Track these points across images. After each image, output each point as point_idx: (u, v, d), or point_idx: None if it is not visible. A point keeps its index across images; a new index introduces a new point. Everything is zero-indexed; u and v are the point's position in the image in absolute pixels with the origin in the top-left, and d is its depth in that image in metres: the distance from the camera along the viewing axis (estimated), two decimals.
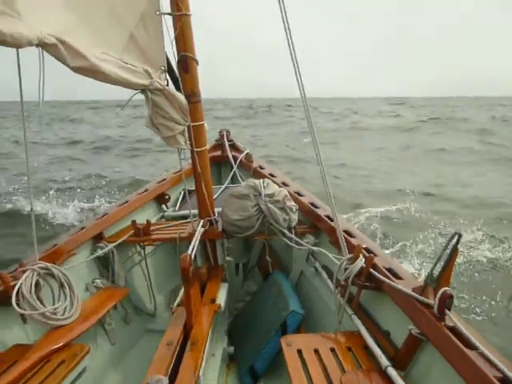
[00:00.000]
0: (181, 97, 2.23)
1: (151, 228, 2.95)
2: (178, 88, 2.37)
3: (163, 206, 3.91)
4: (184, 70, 2.40)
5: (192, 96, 2.44)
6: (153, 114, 2.18)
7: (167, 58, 2.27)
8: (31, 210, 1.98)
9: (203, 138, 2.61)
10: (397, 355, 1.69)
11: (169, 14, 2.23)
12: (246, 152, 4.61)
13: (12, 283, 1.97)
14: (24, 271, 2.03)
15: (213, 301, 2.33)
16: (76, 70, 1.65)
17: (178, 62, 2.39)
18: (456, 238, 1.52)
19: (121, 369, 2.60)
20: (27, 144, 1.97)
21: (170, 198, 3.94)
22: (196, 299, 2.12)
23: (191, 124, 2.41)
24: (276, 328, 2.29)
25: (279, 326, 2.28)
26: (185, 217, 3.45)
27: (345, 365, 1.71)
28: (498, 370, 1.23)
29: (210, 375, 2.16)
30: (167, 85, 2.23)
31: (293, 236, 2.56)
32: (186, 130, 2.37)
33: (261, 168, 4.16)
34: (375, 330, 1.89)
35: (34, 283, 2.01)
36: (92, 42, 1.76)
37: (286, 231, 2.60)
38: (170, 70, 2.32)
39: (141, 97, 2.11)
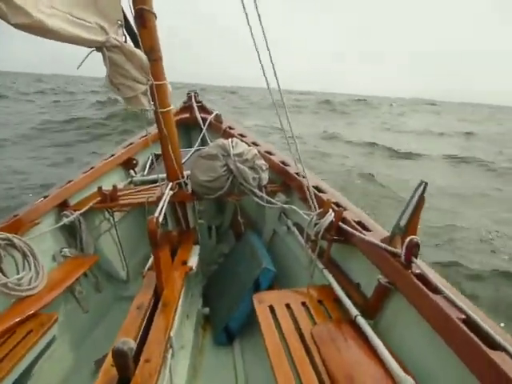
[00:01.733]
0: (141, 54, 2.11)
1: (118, 193, 2.88)
2: (137, 45, 2.25)
3: (131, 171, 3.81)
4: (142, 25, 2.27)
5: (152, 53, 2.32)
6: (112, 74, 2.05)
7: (123, 12, 2.14)
8: None
9: (167, 97, 2.51)
10: (366, 305, 1.72)
11: None
12: (215, 113, 4.51)
13: None
14: None
15: (184, 263, 2.30)
16: (19, 27, 1.50)
17: (135, 17, 2.26)
18: (422, 186, 1.52)
19: (94, 336, 2.59)
20: None
21: (137, 162, 3.84)
22: (166, 262, 2.09)
23: (153, 83, 2.31)
24: (249, 286, 2.30)
25: (252, 284, 2.29)
26: (154, 181, 3.38)
27: (316, 317, 1.73)
28: (462, 311, 1.26)
29: (186, 337, 2.16)
30: (125, 41, 2.11)
31: (263, 195, 2.53)
32: (149, 89, 2.27)
33: (230, 128, 4.09)
34: (346, 282, 1.91)
35: None
36: None
37: (257, 190, 2.56)
38: (127, 25, 2.19)
39: None
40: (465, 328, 1.19)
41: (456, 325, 1.21)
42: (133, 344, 1.26)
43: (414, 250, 1.49)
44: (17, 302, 1.98)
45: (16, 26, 1.49)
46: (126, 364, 1.30)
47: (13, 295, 1.96)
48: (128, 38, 2.18)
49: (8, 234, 2.05)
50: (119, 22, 2.09)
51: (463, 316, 1.24)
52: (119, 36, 2.07)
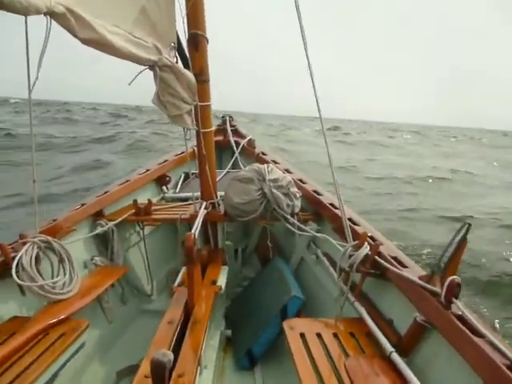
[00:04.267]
0: (190, 75, 2.20)
1: (152, 208, 2.93)
2: (186, 66, 2.34)
3: (164, 187, 3.88)
4: (194, 48, 2.37)
5: (200, 75, 2.41)
6: (160, 92, 2.14)
7: (177, 35, 2.23)
8: (33, 181, 1.95)
9: (209, 119, 2.59)
10: (400, 342, 1.68)
11: None
12: (248, 137, 4.57)
13: (12, 255, 1.95)
14: (24, 243, 2.00)
15: (213, 282, 2.31)
16: (85, 41, 1.59)
17: (189, 40, 2.36)
18: (465, 228, 1.51)
19: (117, 347, 2.59)
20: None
21: (170, 179, 3.91)
22: (197, 280, 2.11)
23: (199, 104, 2.38)
24: (276, 312, 2.28)
25: (279, 311, 2.27)
26: (185, 199, 3.43)
27: (348, 350, 1.70)
28: (506, 357, 1.23)
29: (208, 357, 2.15)
30: (176, 62, 2.20)
31: (295, 222, 2.55)
32: (193, 109, 2.35)
33: (264, 154, 4.14)
34: (378, 317, 1.88)
35: (34, 256, 1.98)
36: (102, 13, 1.70)
37: (289, 217, 2.58)
38: (179, 47, 2.28)
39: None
40: (510, 373, 1.16)
41: (501, 370, 1.18)
42: (171, 356, 1.26)
43: (455, 289, 1.47)
44: (50, 305, 2.01)
45: (83, 40, 1.57)
46: (162, 376, 1.30)
47: (47, 298, 2.00)
48: (179, 59, 2.28)
49: (49, 237, 2.11)
50: (172, 44, 2.19)
51: (507, 362, 1.21)
52: (171, 57, 2.17)
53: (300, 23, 2.10)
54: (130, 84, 2.12)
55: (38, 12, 1.37)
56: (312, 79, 2.15)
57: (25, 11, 1.32)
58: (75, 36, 1.56)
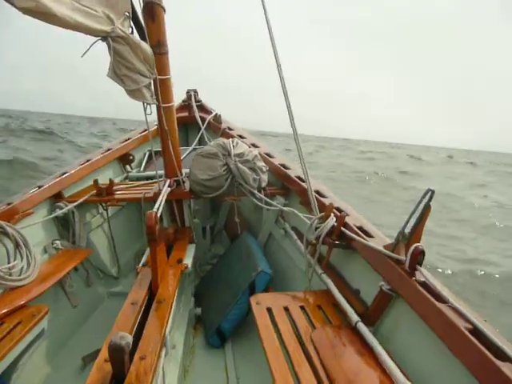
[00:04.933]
0: (146, 47, 2.08)
1: (114, 188, 2.83)
2: (143, 38, 2.22)
3: (127, 166, 3.77)
4: (150, 18, 2.25)
5: (158, 47, 2.29)
6: (116, 65, 2.02)
7: (132, 4, 2.11)
8: None
9: (170, 93, 2.48)
10: (366, 312, 1.69)
11: None
12: (214, 113, 4.47)
13: None
14: None
15: (179, 261, 2.26)
16: (24, 11, 1.47)
17: (144, 9, 2.23)
18: (429, 194, 1.50)
19: (82, 331, 2.53)
20: None
21: (134, 158, 3.80)
22: (162, 259, 2.05)
23: (157, 77, 2.28)
24: (244, 288, 2.26)
25: (247, 287, 2.25)
26: (150, 178, 3.34)
27: (315, 322, 1.70)
28: (469, 321, 1.24)
29: (177, 337, 2.12)
30: (132, 33, 2.08)
31: (263, 196, 2.51)
32: (152, 83, 2.24)
33: (230, 129, 4.06)
34: (345, 288, 1.89)
35: None
36: None
37: (256, 192, 2.54)
38: (134, 17, 2.16)
39: None
40: (472, 338, 1.17)
41: (463, 334, 1.19)
42: (130, 339, 1.21)
43: (418, 257, 1.47)
44: (6, 292, 1.93)
45: (21, 9, 1.46)
46: (121, 359, 1.25)
47: (2, 285, 1.90)
48: (135, 30, 2.16)
49: (1, 222, 2.00)
50: (126, 14, 2.07)
51: (470, 326, 1.22)
52: (126, 27, 2.05)
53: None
54: (82, 56, 2.01)
55: None
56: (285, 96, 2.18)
57: None
58: (13, 5, 1.44)
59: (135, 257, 3.30)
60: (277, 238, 2.84)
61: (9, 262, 2.01)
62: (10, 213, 2.22)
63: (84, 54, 2.07)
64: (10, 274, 1.95)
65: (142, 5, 2.22)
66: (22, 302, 1.86)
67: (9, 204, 2.29)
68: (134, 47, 2.03)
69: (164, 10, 2.30)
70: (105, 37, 1.93)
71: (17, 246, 2.06)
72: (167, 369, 1.81)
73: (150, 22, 2.26)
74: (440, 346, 1.28)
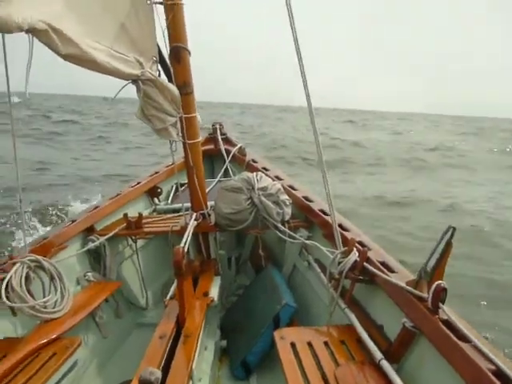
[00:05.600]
0: (173, 88, 2.20)
1: (143, 221, 2.93)
2: (170, 79, 2.35)
3: (155, 199, 3.88)
4: (176, 61, 2.37)
5: (184, 87, 2.41)
6: (144, 106, 2.15)
7: (159, 49, 2.24)
8: (19, 201, 1.94)
9: (195, 129, 2.58)
10: (390, 348, 1.69)
11: (160, 3, 2.20)
12: (239, 146, 4.58)
13: (1, 276, 1.94)
14: (14, 264, 1.99)
15: (205, 294, 2.31)
16: (67, 57, 1.60)
17: (170, 53, 2.36)
18: (450, 231, 1.51)
19: (112, 362, 2.58)
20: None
21: (162, 191, 3.91)
22: (189, 292, 2.10)
23: (183, 116, 2.38)
24: (269, 321, 2.28)
25: (272, 320, 2.27)
26: (177, 210, 3.42)
27: (338, 358, 1.70)
28: (492, 362, 1.23)
29: (203, 369, 2.14)
30: (159, 75, 2.21)
31: (286, 230, 2.55)
32: (179, 121, 2.35)
33: (254, 162, 4.14)
34: (368, 323, 1.88)
35: (24, 276, 1.97)
36: (83, 30, 1.70)
37: (279, 225, 2.58)
38: (161, 60, 2.30)
39: None
40: (495, 380, 1.16)
41: (487, 376, 1.18)
42: (159, 374, 1.26)
43: (441, 295, 1.47)
44: (41, 325, 2.01)
45: (65, 56, 1.58)
46: None
47: (39, 317, 1.99)
48: (162, 72, 2.28)
49: (38, 257, 2.10)
50: (154, 58, 2.20)
51: (493, 367, 1.21)
52: (154, 70, 2.18)
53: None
54: (113, 99, 2.13)
55: (19, 29, 1.37)
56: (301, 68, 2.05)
57: (6, 29, 1.32)
58: (57, 53, 1.56)
59: (163, 288, 3.36)
60: (301, 271, 2.85)
61: (44, 295, 2.10)
62: (46, 247, 2.33)
63: (115, 96, 2.21)
64: (45, 307, 2.03)
65: (168, 49, 2.35)
66: (57, 335, 1.94)
67: (45, 238, 2.40)
68: (161, 89, 2.15)
69: (189, 53, 2.42)
70: (135, 80, 2.06)
71: (52, 279, 2.15)
72: None
73: (176, 64, 2.38)
74: None
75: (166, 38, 2.32)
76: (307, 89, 2.05)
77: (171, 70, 2.36)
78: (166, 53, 2.36)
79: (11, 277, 1.92)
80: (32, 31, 1.42)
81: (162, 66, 2.30)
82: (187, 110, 2.44)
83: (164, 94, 2.17)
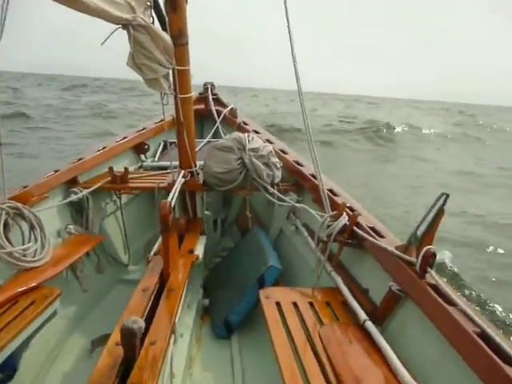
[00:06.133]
0: (166, 37, 2.10)
1: (129, 176, 2.86)
2: (164, 27, 2.23)
3: (142, 155, 3.80)
4: (172, 8, 2.25)
5: (179, 37, 2.30)
6: (135, 53, 2.03)
7: None
8: (0, 144, 1.86)
9: (188, 84, 2.49)
10: (375, 311, 1.69)
11: None
12: (230, 107, 4.49)
13: None
14: None
15: (191, 251, 2.28)
16: None
17: None
18: (443, 198, 1.50)
19: (92, 316, 2.57)
20: None
21: (149, 148, 3.82)
22: (173, 249, 2.07)
23: (176, 67, 2.28)
24: (253, 282, 2.27)
25: (256, 280, 2.26)
26: (164, 168, 3.36)
27: (323, 318, 1.71)
28: (477, 325, 1.24)
29: (185, 325, 2.14)
30: (153, 22, 2.09)
31: (275, 192, 2.51)
32: (171, 73, 2.25)
33: (245, 124, 4.07)
34: (354, 286, 1.89)
35: (2, 222, 1.91)
36: None
37: (269, 187, 2.55)
38: (156, 6, 2.17)
39: None
40: (481, 342, 1.16)
41: (472, 338, 1.18)
42: (142, 323, 1.23)
43: (430, 259, 1.47)
44: (20, 273, 1.96)
45: None
46: (133, 343, 1.28)
47: (17, 265, 1.94)
48: (156, 19, 2.17)
49: (18, 204, 2.03)
50: (148, 3, 2.08)
51: (478, 330, 1.22)
52: (146, 16, 2.06)
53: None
54: (102, 44, 2.02)
55: None
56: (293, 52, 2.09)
57: None
58: None
59: (146, 245, 3.33)
60: (287, 235, 2.84)
61: (23, 244, 2.05)
62: (26, 196, 2.25)
63: (104, 41, 2.09)
64: (25, 255, 1.98)
65: None
66: (36, 283, 1.89)
67: (25, 187, 2.32)
68: (154, 36, 2.04)
69: (186, 1, 2.30)
70: (125, 25, 1.94)
71: (32, 228, 2.09)
72: (174, 356, 1.83)
73: (172, 12, 2.27)
74: (448, 348, 1.27)
75: None
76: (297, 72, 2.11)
77: (166, 18, 2.23)
78: None
79: None
80: None
81: (156, 13, 2.17)
82: (180, 61, 2.34)
83: (156, 43, 2.06)
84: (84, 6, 1.63)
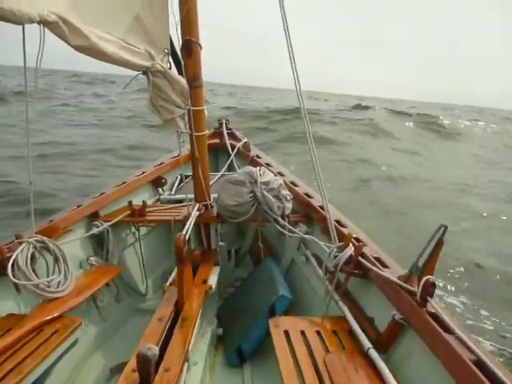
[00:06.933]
0: (182, 80, 2.25)
1: (147, 209, 3.00)
2: (180, 72, 2.40)
3: (159, 189, 3.95)
4: (187, 54, 2.43)
5: (194, 80, 2.46)
6: (154, 97, 2.20)
7: (171, 41, 2.29)
8: (30, 183, 2.01)
9: (202, 122, 2.64)
10: (379, 339, 1.75)
11: None
12: (244, 141, 4.64)
13: (8, 254, 2.01)
14: (20, 243, 2.07)
15: (204, 281, 2.37)
16: (77, 48, 1.65)
17: (182, 46, 2.41)
18: (442, 229, 1.57)
19: (111, 344, 2.66)
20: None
21: (166, 181, 3.98)
22: (188, 279, 2.16)
23: (191, 108, 2.44)
24: (265, 311, 2.33)
25: (268, 310, 2.33)
26: (180, 201, 3.50)
27: (329, 347, 1.76)
28: (473, 353, 1.28)
29: (199, 354, 2.21)
30: (170, 68, 2.26)
31: (286, 224, 2.61)
32: (186, 114, 2.41)
33: (258, 157, 4.21)
34: (360, 315, 1.95)
35: (29, 255, 2.05)
36: (95, 21, 1.75)
37: (280, 219, 2.64)
38: (173, 53, 2.34)
39: None
40: (475, 369, 1.21)
41: (467, 365, 1.23)
42: (156, 350, 1.32)
43: (430, 289, 1.53)
44: (45, 303, 2.08)
45: (75, 47, 1.63)
46: (148, 369, 1.36)
47: (42, 296, 2.06)
48: (173, 65, 2.34)
49: (44, 238, 2.17)
50: (166, 51, 2.25)
51: (474, 357, 1.27)
52: (164, 62, 2.23)
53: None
54: (124, 88, 2.19)
55: (31, 21, 1.42)
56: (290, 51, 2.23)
57: (18, 20, 1.38)
58: (68, 43, 1.62)
59: (163, 276, 3.43)
60: (298, 264, 2.92)
61: (48, 275, 2.18)
62: (52, 229, 2.40)
63: (125, 86, 2.27)
64: (49, 286, 2.11)
65: (180, 42, 2.40)
66: (59, 313, 2.01)
67: (51, 221, 2.47)
68: (171, 81, 2.20)
69: (200, 47, 2.47)
70: (145, 71, 2.12)
71: (56, 260, 2.23)
72: (188, 383, 1.90)
73: (187, 57, 2.43)
74: (446, 376, 1.32)
75: (179, 31, 2.37)
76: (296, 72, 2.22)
77: (182, 63, 2.40)
78: (177, 46, 2.40)
79: (17, 255, 2.00)
80: (43, 22, 1.46)
81: (173, 59, 2.34)
82: (196, 102, 2.49)
83: (173, 86, 2.22)
84: (110, 57, 1.80)
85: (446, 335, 1.38)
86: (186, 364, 1.74)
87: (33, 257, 2.10)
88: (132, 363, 1.51)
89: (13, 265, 1.96)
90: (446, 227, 1.56)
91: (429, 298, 1.53)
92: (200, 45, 2.46)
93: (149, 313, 2.12)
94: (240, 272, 3.60)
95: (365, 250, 2.03)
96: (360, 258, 1.97)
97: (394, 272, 1.82)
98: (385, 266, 1.91)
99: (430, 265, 1.59)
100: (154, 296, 3.29)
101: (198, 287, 2.29)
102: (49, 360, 1.79)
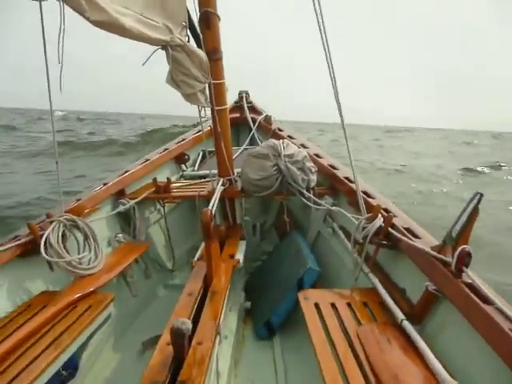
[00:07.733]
0: (202, 53, 2.21)
1: (171, 186, 3.01)
2: (199, 45, 2.36)
3: (182, 165, 3.96)
4: (206, 26, 2.38)
5: (213, 53, 2.42)
6: (173, 71, 2.17)
7: (189, 14, 2.24)
8: (56, 162, 2.03)
9: (224, 96, 2.60)
10: (412, 311, 1.72)
11: None
12: (265, 114, 4.58)
13: (40, 233, 2.06)
14: (51, 222, 2.11)
15: (232, 256, 2.39)
16: (96, 23, 1.62)
17: (200, 18, 2.36)
18: (477, 197, 1.52)
19: (142, 318, 2.73)
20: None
21: (189, 158, 3.98)
22: (215, 254, 2.18)
23: (212, 82, 2.41)
24: (293, 284, 2.34)
25: (296, 282, 2.33)
26: (203, 177, 3.50)
27: (361, 319, 1.75)
28: None
29: (228, 328, 2.24)
30: (188, 41, 2.22)
31: (311, 196, 2.58)
32: (207, 87, 2.37)
33: (280, 130, 4.16)
34: (391, 287, 1.92)
35: (60, 233, 2.10)
36: None
37: (305, 191, 2.61)
38: (191, 26, 2.30)
39: None
40: None
41: (508, 336, 1.20)
42: (190, 324, 1.33)
43: (465, 259, 1.49)
44: (77, 280, 2.13)
45: (94, 22, 1.60)
46: (182, 343, 1.38)
47: (75, 273, 2.11)
48: (191, 38, 2.29)
49: (74, 216, 2.21)
50: (183, 23, 2.20)
51: None
52: (183, 36, 2.18)
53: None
54: (143, 64, 2.17)
55: None
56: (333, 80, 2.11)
57: None
58: (86, 18, 1.59)
59: (189, 251, 3.48)
60: (325, 237, 2.90)
61: (79, 253, 2.23)
62: (80, 208, 2.44)
63: (145, 62, 2.24)
64: (81, 263, 2.16)
65: (198, 14, 2.35)
66: (92, 289, 2.06)
67: (78, 200, 2.51)
68: (190, 54, 2.16)
69: (219, 19, 2.42)
70: (164, 46, 2.08)
71: (86, 238, 2.27)
72: (220, 356, 1.94)
73: (206, 30, 2.38)
74: (485, 346, 1.29)
75: (196, 3, 2.32)
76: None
77: (200, 36, 2.36)
78: (195, 18, 2.36)
79: (49, 234, 2.04)
80: None
81: (191, 32, 2.30)
82: (216, 76, 2.45)
83: (193, 60, 2.18)
84: (126, 31, 1.77)
85: (484, 306, 1.34)
86: (218, 337, 1.76)
87: (63, 235, 2.14)
88: (166, 337, 1.54)
89: (45, 243, 2.01)
90: (481, 195, 1.51)
91: (464, 269, 1.49)
92: (219, 16, 2.40)
93: (176, 288, 2.15)
94: (265, 246, 3.62)
95: (395, 220, 1.99)
96: (390, 229, 1.93)
97: (425, 242, 1.78)
98: (416, 236, 1.87)
99: (465, 234, 1.54)
100: (181, 271, 3.34)
101: (225, 262, 2.31)
102: (84, 335, 1.84)
